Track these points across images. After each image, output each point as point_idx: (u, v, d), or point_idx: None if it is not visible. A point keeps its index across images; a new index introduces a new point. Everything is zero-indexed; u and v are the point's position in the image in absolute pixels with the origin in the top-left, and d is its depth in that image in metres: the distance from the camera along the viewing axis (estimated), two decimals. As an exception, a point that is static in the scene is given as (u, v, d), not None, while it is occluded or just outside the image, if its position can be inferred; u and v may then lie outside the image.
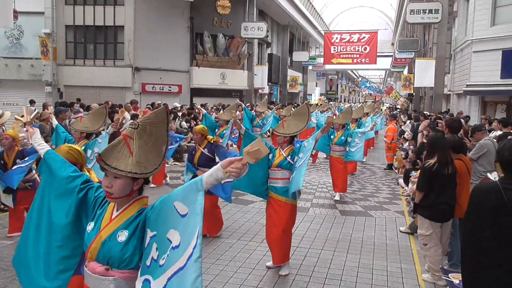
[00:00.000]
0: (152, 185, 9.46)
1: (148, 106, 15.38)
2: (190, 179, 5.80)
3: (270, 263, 5.31)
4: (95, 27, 22.00)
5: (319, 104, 33.59)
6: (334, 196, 9.17)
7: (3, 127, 10.35)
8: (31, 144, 2.89)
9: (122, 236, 2.17)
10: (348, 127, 11.70)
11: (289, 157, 5.13)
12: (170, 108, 16.00)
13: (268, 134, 15.14)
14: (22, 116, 3.66)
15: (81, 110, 11.62)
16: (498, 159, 2.79)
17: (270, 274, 5.15)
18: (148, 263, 2.05)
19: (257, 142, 1.96)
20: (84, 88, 21.25)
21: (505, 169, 2.70)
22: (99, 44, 22.24)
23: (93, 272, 2.23)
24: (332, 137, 9.27)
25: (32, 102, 16.10)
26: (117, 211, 2.27)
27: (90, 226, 2.29)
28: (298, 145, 5.29)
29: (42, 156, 2.67)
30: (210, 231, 6.33)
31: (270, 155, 5.22)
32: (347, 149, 9.29)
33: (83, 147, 5.72)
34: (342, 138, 9.23)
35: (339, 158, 9.23)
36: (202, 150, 6.15)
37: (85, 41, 22.23)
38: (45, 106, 12.55)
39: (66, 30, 21.97)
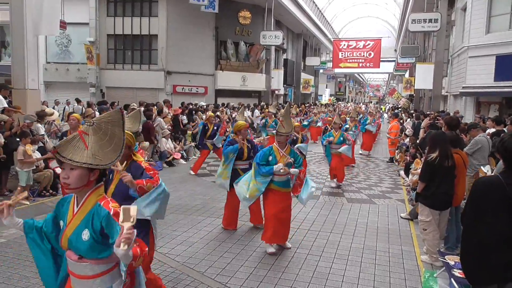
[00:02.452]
0: (191, 172, 10.01)
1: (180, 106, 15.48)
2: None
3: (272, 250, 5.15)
4: (133, 36, 22.18)
5: (330, 104, 33.39)
6: (331, 184, 9.27)
7: (54, 123, 10.57)
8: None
9: (86, 236, 2.10)
10: (346, 126, 11.70)
11: (292, 158, 5.09)
12: (194, 105, 16.08)
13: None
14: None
15: (121, 108, 11.75)
16: (502, 153, 2.52)
17: (284, 253, 5.14)
18: None
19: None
20: (123, 89, 21.49)
21: (508, 162, 2.47)
22: (136, 51, 22.44)
23: (70, 258, 2.20)
24: (331, 138, 9.16)
25: (78, 101, 16.42)
26: (77, 206, 2.18)
27: (61, 223, 2.23)
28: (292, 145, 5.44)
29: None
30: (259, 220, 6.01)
31: (270, 157, 5.09)
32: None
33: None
34: (341, 138, 9.18)
35: (337, 154, 9.16)
36: (248, 145, 6.03)
37: (124, 48, 22.45)
38: (89, 105, 12.79)
39: (108, 39, 22.21)
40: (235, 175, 5.75)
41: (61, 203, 2.31)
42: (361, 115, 17.88)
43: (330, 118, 13.34)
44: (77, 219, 2.15)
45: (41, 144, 8.06)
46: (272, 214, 5.08)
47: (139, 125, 6.29)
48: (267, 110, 16.61)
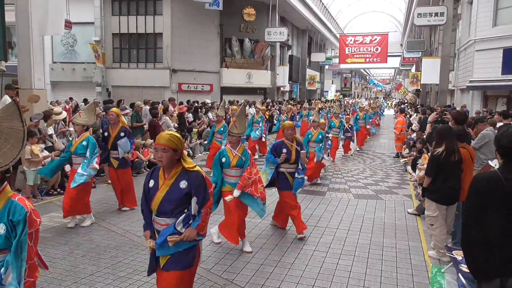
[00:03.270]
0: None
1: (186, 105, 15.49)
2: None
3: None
4: (138, 35, 22.25)
5: (335, 100, 33.25)
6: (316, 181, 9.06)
7: (62, 123, 10.63)
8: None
9: (1, 229, 2.20)
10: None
11: (244, 156, 5.00)
12: (200, 104, 16.10)
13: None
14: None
15: (127, 107, 11.78)
16: (497, 147, 2.57)
17: (291, 249, 5.14)
18: None
19: None
20: (129, 88, 21.58)
21: (504, 156, 2.50)
22: (141, 49, 22.52)
23: None
24: (310, 136, 8.95)
25: (85, 101, 16.48)
26: None
27: None
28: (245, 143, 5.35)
29: None
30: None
31: (224, 159, 4.97)
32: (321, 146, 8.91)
33: (84, 140, 5.75)
34: (320, 136, 8.90)
35: (313, 152, 8.85)
36: (297, 147, 5.62)
37: (129, 46, 22.54)
38: (95, 105, 12.82)
39: (113, 38, 22.31)
40: (283, 179, 5.61)
41: None
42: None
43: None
44: None
45: (49, 144, 8.12)
46: (235, 216, 4.95)
47: (94, 118, 6.27)
48: (264, 107, 16.59)
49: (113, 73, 22.04)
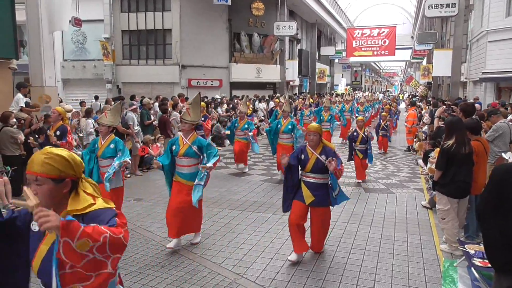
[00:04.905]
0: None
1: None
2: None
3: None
4: (147, 31, 22.30)
5: (345, 94, 32.99)
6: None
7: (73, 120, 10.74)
8: None
9: None
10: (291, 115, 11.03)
11: (194, 146, 4.83)
12: (210, 99, 16.13)
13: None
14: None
15: (134, 103, 11.85)
16: None
17: (301, 244, 5.13)
18: None
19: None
20: (139, 85, 21.66)
21: None
22: (150, 46, 22.57)
23: None
24: (279, 126, 8.67)
25: (96, 98, 16.64)
26: None
27: None
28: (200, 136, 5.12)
29: None
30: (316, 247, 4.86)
31: (174, 146, 4.86)
32: (294, 137, 8.63)
33: (111, 143, 5.34)
34: (289, 126, 8.61)
35: (286, 145, 8.61)
36: (318, 156, 4.54)
37: (139, 43, 22.61)
38: (107, 102, 12.95)
39: (122, 34, 22.38)
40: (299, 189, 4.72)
41: None
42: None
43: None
44: None
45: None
46: (169, 207, 4.92)
47: (120, 118, 6.14)
48: (277, 100, 16.58)
49: (123, 70, 22.15)
